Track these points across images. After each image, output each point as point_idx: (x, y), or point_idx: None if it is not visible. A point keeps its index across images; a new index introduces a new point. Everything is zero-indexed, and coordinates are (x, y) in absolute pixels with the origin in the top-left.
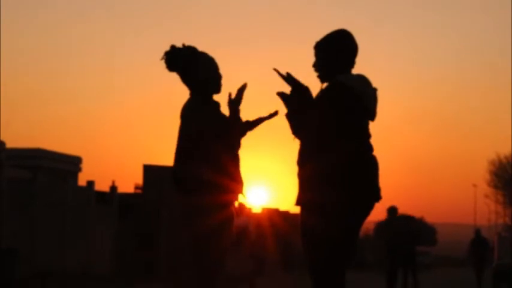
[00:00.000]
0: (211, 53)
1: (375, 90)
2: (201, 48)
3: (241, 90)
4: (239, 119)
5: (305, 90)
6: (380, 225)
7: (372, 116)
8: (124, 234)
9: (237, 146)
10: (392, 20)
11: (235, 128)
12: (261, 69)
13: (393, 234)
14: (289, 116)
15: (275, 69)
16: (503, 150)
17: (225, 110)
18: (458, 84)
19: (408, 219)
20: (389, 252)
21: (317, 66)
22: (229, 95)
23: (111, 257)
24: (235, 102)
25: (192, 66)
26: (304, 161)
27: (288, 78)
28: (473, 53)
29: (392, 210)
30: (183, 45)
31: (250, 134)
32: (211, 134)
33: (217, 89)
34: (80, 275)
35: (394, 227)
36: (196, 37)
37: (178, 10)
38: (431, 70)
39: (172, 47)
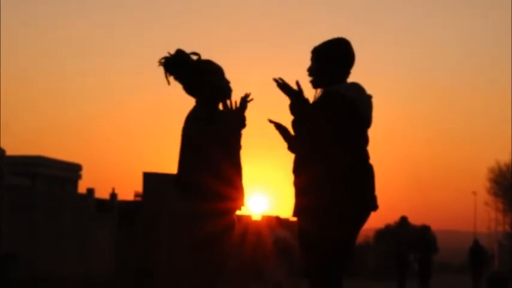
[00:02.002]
0: (214, 54)
1: (369, 97)
2: (204, 50)
3: (244, 99)
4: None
5: (300, 95)
6: (388, 233)
7: (368, 123)
8: (124, 242)
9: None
10: (390, 25)
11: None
12: (263, 72)
13: (404, 242)
14: (294, 127)
15: (275, 79)
16: (503, 158)
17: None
18: (458, 91)
19: (424, 229)
20: (399, 259)
21: (312, 71)
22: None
23: (110, 264)
24: (239, 108)
25: (197, 79)
26: (301, 169)
27: (283, 87)
28: (473, 59)
29: (403, 220)
30: (180, 50)
31: (249, 142)
32: (213, 142)
33: (227, 95)
34: (79, 281)
35: (405, 236)
36: (198, 40)
37: (177, 17)
38: (431, 77)
39: (176, 54)
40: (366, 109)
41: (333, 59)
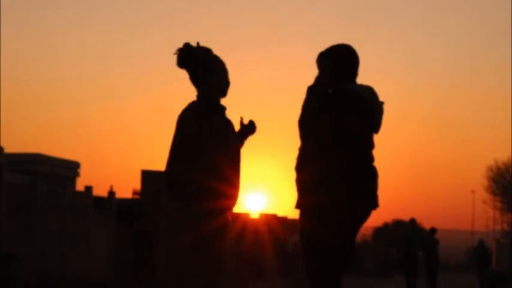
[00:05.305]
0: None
1: (382, 103)
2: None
3: (252, 125)
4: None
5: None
6: (403, 235)
7: (377, 129)
8: (122, 240)
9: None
10: (388, 25)
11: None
12: (267, 72)
13: (414, 242)
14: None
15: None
16: (502, 157)
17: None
18: (457, 89)
19: (432, 232)
20: (410, 259)
21: (320, 79)
22: (241, 119)
23: (109, 262)
24: (246, 131)
25: (205, 68)
26: (304, 166)
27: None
28: (471, 58)
29: (413, 222)
30: (198, 44)
31: (248, 141)
32: (211, 139)
33: (223, 93)
34: (78, 280)
35: (417, 237)
36: (199, 40)
37: (177, 15)
38: (429, 75)
39: (187, 45)
40: (378, 114)
41: (338, 63)
